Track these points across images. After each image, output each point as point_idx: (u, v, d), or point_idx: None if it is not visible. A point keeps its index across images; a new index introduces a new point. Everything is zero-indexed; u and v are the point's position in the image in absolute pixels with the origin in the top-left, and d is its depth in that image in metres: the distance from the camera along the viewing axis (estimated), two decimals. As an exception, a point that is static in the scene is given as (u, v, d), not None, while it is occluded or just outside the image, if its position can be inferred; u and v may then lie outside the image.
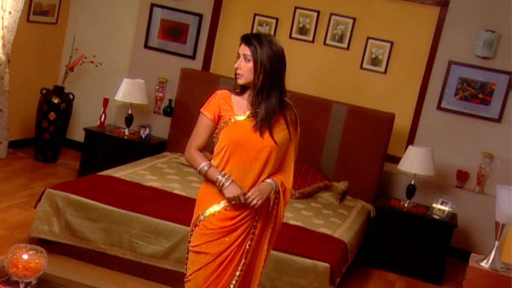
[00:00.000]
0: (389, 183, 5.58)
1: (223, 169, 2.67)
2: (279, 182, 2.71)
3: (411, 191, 5.12)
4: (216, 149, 2.71)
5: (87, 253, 4.07)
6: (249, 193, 2.65)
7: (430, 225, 4.94)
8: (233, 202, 2.65)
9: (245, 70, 2.65)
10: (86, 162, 5.68)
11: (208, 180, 2.70)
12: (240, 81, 2.67)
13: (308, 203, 4.94)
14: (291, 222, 4.34)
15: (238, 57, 2.67)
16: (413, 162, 4.98)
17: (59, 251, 4.08)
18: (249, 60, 2.64)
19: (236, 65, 2.66)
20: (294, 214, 4.54)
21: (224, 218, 2.68)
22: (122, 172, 4.68)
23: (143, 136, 5.68)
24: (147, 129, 5.70)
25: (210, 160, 2.72)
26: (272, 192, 2.69)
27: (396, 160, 5.43)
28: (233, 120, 2.66)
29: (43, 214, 4.08)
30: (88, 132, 5.73)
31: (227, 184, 2.63)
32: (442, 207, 5.03)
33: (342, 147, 5.37)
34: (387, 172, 5.53)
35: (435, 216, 4.98)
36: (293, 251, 3.84)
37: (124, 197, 4.16)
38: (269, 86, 2.65)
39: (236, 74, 2.67)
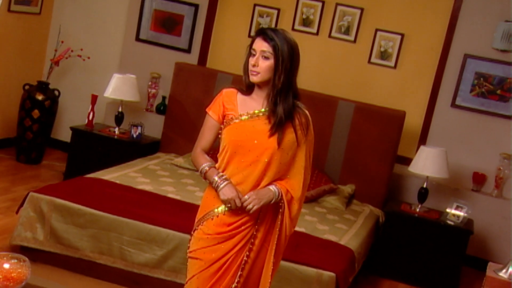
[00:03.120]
0: (399, 186, 5.58)
1: (223, 171, 2.70)
2: (283, 190, 2.70)
3: (423, 195, 5.12)
4: (220, 150, 2.74)
5: (74, 262, 4.06)
6: (246, 196, 2.65)
7: (444, 232, 4.94)
8: (229, 205, 2.66)
9: (263, 68, 2.65)
10: (73, 163, 5.68)
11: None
12: (256, 78, 2.67)
13: (312, 208, 4.94)
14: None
15: (253, 54, 2.66)
16: (426, 163, 4.98)
17: (44, 259, 4.08)
18: (267, 58, 2.64)
19: (253, 62, 2.65)
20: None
21: (221, 224, 2.70)
22: (112, 175, 4.68)
23: (134, 135, 5.68)
24: (139, 128, 5.70)
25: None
26: (273, 200, 2.68)
27: (407, 161, 5.43)
28: (235, 120, 2.69)
29: (26, 220, 4.08)
30: (75, 131, 5.73)
31: (222, 185, 2.65)
32: (457, 212, 5.02)
33: (348, 148, 5.37)
34: (397, 175, 5.53)
35: (449, 222, 4.98)
36: (295, 259, 3.84)
37: (114, 201, 4.15)
38: (287, 86, 2.67)
39: (250, 71, 2.67)
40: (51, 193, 4.11)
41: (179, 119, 5.71)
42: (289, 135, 2.68)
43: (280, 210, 2.72)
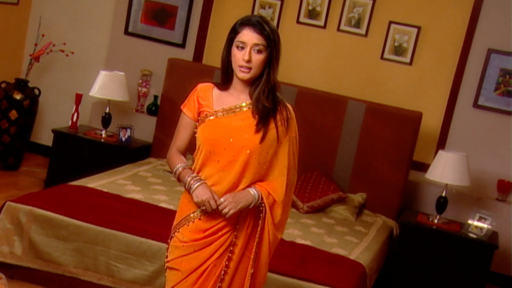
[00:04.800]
0: (415, 195, 5.59)
1: (198, 173, 2.72)
2: (264, 192, 2.70)
3: (442, 204, 5.13)
4: (196, 150, 2.77)
5: (56, 279, 4.07)
6: (222, 199, 2.66)
7: (466, 246, 4.95)
8: (203, 207, 2.67)
9: (256, 63, 2.66)
10: (55, 170, 5.69)
11: None
12: (249, 75, 2.68)
13: (319, 219, 4.95)
14: (299, 240, 4.35)
15: (241, 47, 2.66)
16: (444, 170, 4.98)
17: (22, 276, 4.09)
18: (260, 51, 2.65)
19: (246, 57, 2.64)
20: (302, 232, 4.56)
21: (196, 230, 2.72)
22: (98, 182, 4.69)
23: (123, 139, 5.70)
24: (128, 130, 5.71)
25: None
26: (252, 203, 2.68)
27: (423, 167, 5.44)
28: (210, 117, 2.71)
29: (3, 232, 4.09)
30: (57, 134, 5.74)
31: (195, 186, 2.67)
32: (480, 224, 5.03)
33: (359, 152, 5.38)
34: (413, 182, 5.54)
35: (471, 234, 4.99)
36: (300, 275, 3.85)
37: (100, 211, 4.17)
38: (275, 80, 2.71)
39: (239, 67, 2.67)
40: (31, 203, 4.12)
41: (172, 120, 5.70)
42: (270, 131, 2.69)
43: (261, 215, 2.72)
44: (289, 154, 2.74)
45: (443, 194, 5.13)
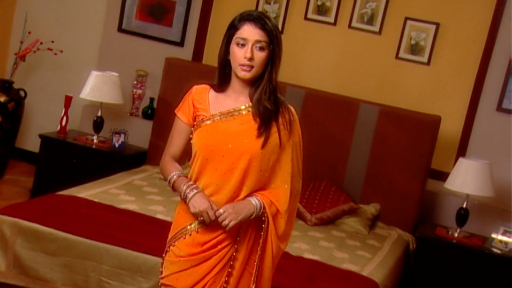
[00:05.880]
0: (433, 206, 5.58)
1: (195, 182, 2.72)
2: (267, 202, 2.70)
3: (462, 216, 5.12)
4: (191, 158, 2.77)
5: (43, 296, 4.08)
6: (221, 210, 2.66)
7: (489, 262, 4.94)
8: (201, 219, 2.67)
9: (259, 61, 2.66)
10: (42, 178, 5.70)
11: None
12: (250, 74, 2.68)
13: (329, 232, 4.95)
14: (306, 255, 4.35)
15: (241, 45, 2.66)
16: (465, 179, 4.98)
17: (7, 293, 4.10)
18: (262, 49, 2.66)
19: (248, 55, 2.64)
20: (311, 246, 4.55)
21: (194, 243, 2.72)
22: (90, 192, 4.69)
23: (116, 145, 5.71)
24: (122, 136, 5.72)
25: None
26: (254, 214, 2.68)
27: (442, 176, 5.43)
28: (206, 121, 2.71)
29: (-14, 246, 4.10)
30: (45, 139, 5.75)
31: (191, 195, 2.67)
32: (505, 239, 5.02)
33: (372, 159, 5.38)
34: (431, 192, 5.53)
35: (495, 250, 4.98)
36: (309, 294, 3.85)
37: (91, 223, 4.16)
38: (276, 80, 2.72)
39: (239, 66, 2.68)
40: (15, 214, 4.11)
41: (170, 125, 5.69)
42: (272, 136, 2.69)
43: (263, 226, 2.72)
44: (292, 160, 2.74)
45: (464, 206, 5.12)
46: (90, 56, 6.39)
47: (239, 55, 2.66)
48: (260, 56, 2.65)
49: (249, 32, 2.65)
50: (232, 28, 2.70)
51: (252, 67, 2.66)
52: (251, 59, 2.64)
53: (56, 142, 5.74)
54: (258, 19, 2.66)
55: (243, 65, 2.66)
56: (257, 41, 2.65)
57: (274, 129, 2.69)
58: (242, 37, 2.66)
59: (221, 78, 2.76)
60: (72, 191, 4.67)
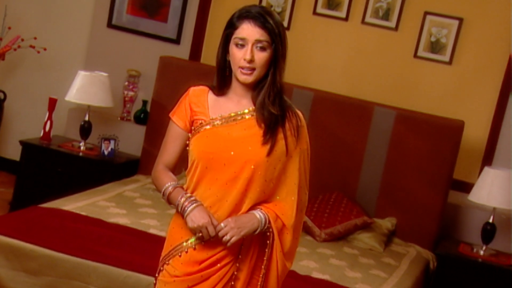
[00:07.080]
0: (456, 221, 5.58)
1: (192, 193, 2.71)
2: (272, 215, 2.69)
3: (488, 232, 5.12)
4: (188, 167, 2.75)
5: (24, 320, 4.07)
6: (222, 224, 2.64)
7: (517, 282, 4.94)
8: (199, 235, 2.65)
9: (260, 63, 2.65)
10: (23, 189, 5.70)
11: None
12: (251, 78, 2.67)
13: (340, 248, 4.94)
14: (315, 275, 4.34)
15: (240, 45, 2.66)
16: (491, 190, 4.97)
17: (-16, 316, 4.09)
18: (264, 49, 2.65)
19: (248, 57, 2.63)
20: (320, 264, 4.54)
21: (191, 261, 2.70)
22: (76, 204, 4.69)
23: (105, 152, 5.71)
24: (112, 142, 5.72)
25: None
26: (258, 229, 2.67)
27: (466, 187, 5.43)
28: (205, 126, 2.70)
29: (-38, 264, 4.10)
30: (26, 146, 5.75)
31: (189, 209, 2.65)
32: (534, 256, 5.03)
33: (387, 169, 5.38)
34: (453, 205, 5.53)
35: (523, 268, 4.98)
36: (319, 317, 3.84)
37: (78, 239, 4.16)
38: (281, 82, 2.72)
39: (239, 69, 2.67)
40: (-5, 228, 4.12)
41: (165, 130, 5.71)
42: (278, 143, 2.68)
43: (268, 242, 2.71)
44: (299, 170, 2.74)
45: (490, 220, 5.12)
46: (76, 54, 6.39)
47: (238, 56, 2.65)
48: (261, 57, 2.65)
49: (248, 31, 2.65)
50: (230, 27, 2.70)
51: (253, 69, 2.65)
52: (251, 61, 2.64)
53: (38, 149, 5.74)
54: (258, 16, 2.65)
55: (243, 67, 2.65)
56: (257, 41, 2.64)
57: (280, 135, 2.68)
58: (240, 37, 2.66)
59: (221, 82, 2.75)
60: (57, 203, 4.66)
